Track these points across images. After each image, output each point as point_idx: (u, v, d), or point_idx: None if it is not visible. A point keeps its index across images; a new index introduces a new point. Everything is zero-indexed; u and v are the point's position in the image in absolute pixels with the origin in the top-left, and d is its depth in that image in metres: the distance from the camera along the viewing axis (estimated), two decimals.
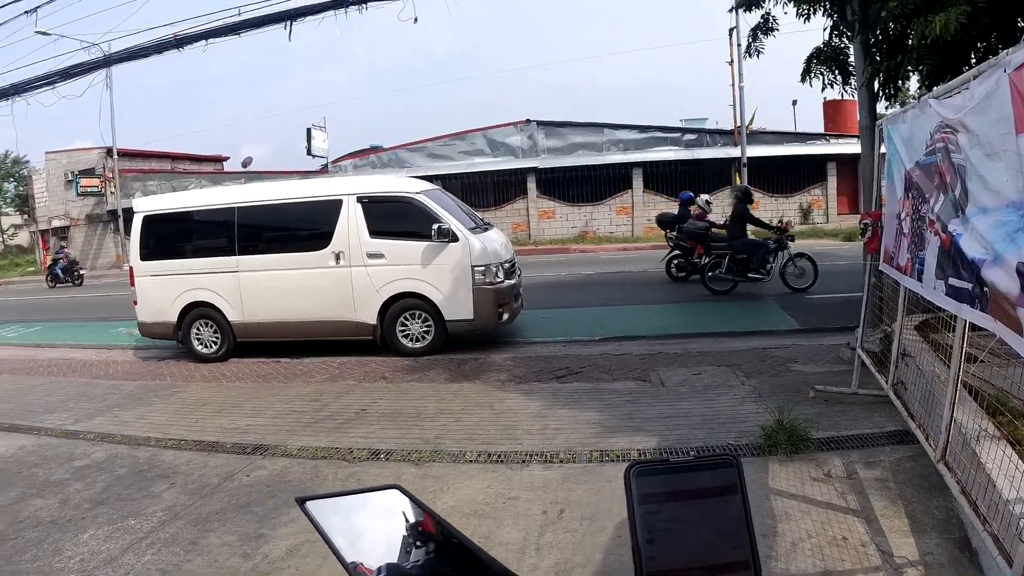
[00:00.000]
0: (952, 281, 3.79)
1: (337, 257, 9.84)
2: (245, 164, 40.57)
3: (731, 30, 27.12)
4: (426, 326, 9.73)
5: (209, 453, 6.40)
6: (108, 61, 20.10)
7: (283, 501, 5.05)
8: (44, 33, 25.28)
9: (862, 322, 6.64)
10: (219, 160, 44.78)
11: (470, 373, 8.54)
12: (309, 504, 1.14)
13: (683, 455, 1.22)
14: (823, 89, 9.11)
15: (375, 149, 33.52)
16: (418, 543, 1.13)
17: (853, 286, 7.99)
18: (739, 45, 25.54)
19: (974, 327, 3.62)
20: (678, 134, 30.76)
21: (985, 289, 3.21)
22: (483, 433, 6.21)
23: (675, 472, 1.02)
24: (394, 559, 1.11)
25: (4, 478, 6.26)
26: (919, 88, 8.18)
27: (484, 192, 29.12)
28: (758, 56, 9.72)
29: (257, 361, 10.30)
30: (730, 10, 18.14)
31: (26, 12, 17.55)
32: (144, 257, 10.85)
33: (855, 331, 6.91)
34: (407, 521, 1.14)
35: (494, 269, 9.60)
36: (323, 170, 32.36)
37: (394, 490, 1.14)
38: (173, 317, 10.68)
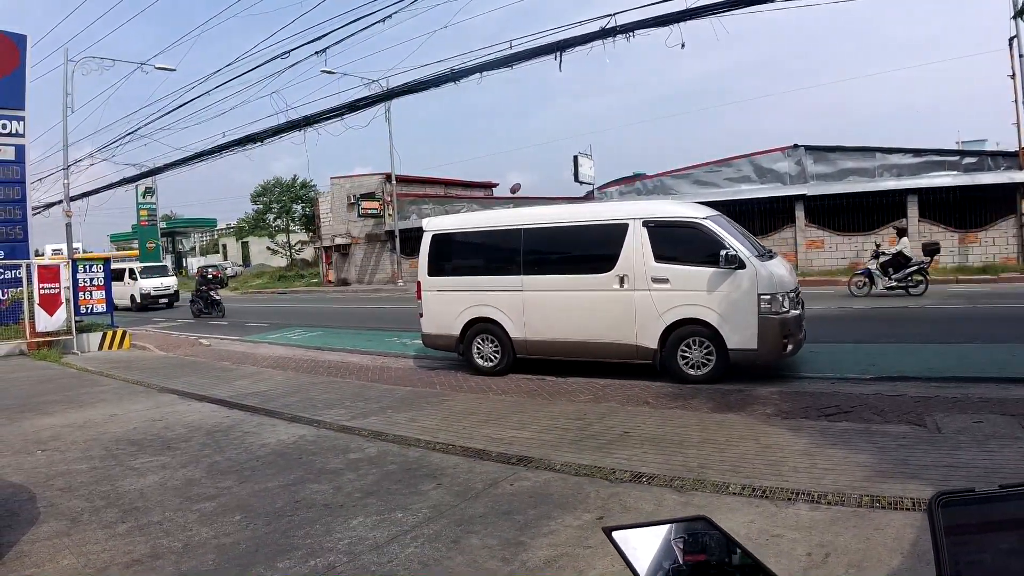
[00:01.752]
0: None
1: (621, 280, 9.95)
2: (514, 190, 42.42)
3: (1011, 39, 24.37)
4: (707, 354, 9.58)
5: (475, 460, 6.71)
6: (390, 94, 21.72)
7: (544, 513, 5.17)
8: (329, 72, 28.01)
9: None
10: (489, 186, 47.25)
11: (735, 404, 8.34)
12: (616, 534, 1.14)
13: None
14: None
15: (639, 176, 33.79)
16: None
17: None
18: (1021, 56, 23.23)
19: None
20: (956, 157, 27.82)
21: None
22: (747, 466, 6.06)
23: (985, 502, 0.95)
24: None
25: (285, 462, 6.97)
26: None
27: (750, 220, 28.22)
28: None
29: (522, 378, 10.70)
30: (1012, 17, 16.59)
31: (316, 52, 19.32)
32: (432, 273, 11.65)
33: None
34: (715, 553, 1.12)
35: (780, 298, 9.35)
36: (589, 196, 33.06)
37: (702, 521, 1.14)
38: (457, 331, 11.33)
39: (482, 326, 11.18)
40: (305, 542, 4.92)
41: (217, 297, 26.91)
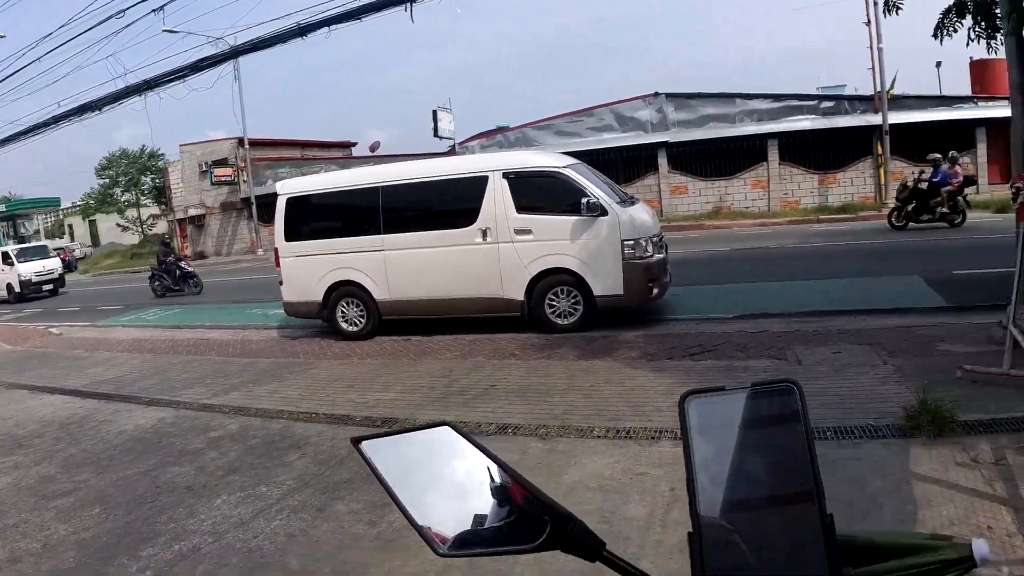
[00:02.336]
0: None
1: (484, 234, 9.86)
2: (373, 148, 41.49)
3: None
4: (574, 302, 9.62)
5: (339, 426, 6.64)
6: (235, 53, 20.85)
7: None
8: (171, 31, 26.55)
9: (1014, 297, 6.19)
10: (347, 146, 45.99)
11: (600, 350, 8.48)
12: (364, 444, 1.13)
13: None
14: (967, 43, 8.45)
15: (501, 129, 33.59)
16: (473, 482, 1.11)
17: (1006, 262, 7.50)
18: (876, 3, 24.23)
19: None
20: (815, 102, 28.79)
21: None
22: (611, 410, 6.16)
23: (732, 400, 0.96)
24: (446, 497, 1.11)
25: (144, 447, 6.76)
26: None
27: (614, 168, 28.45)
28: (897, 13, 9.14)
29: (388, 339, 10.57)
30: None
31: (153, 11, 18.32)
32: (289, 238, 11.19)
33: (1007, 308, 6.51)
34: (461, 459, 1.12)
35: (643, 243, 9.40)
36: (451, 151, 32.69)
37: (446, 427, 1.12)
38: (319, 296, 10.97)
39: (345, 289, 10.89)
40: (168, 527, 4.83)
41: (189, 268, 21.99)
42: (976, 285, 10.03)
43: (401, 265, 10.38)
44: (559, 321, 9.69)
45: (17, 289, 27.07)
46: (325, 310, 11.06)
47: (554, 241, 9.55)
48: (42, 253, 29.41)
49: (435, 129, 32.85)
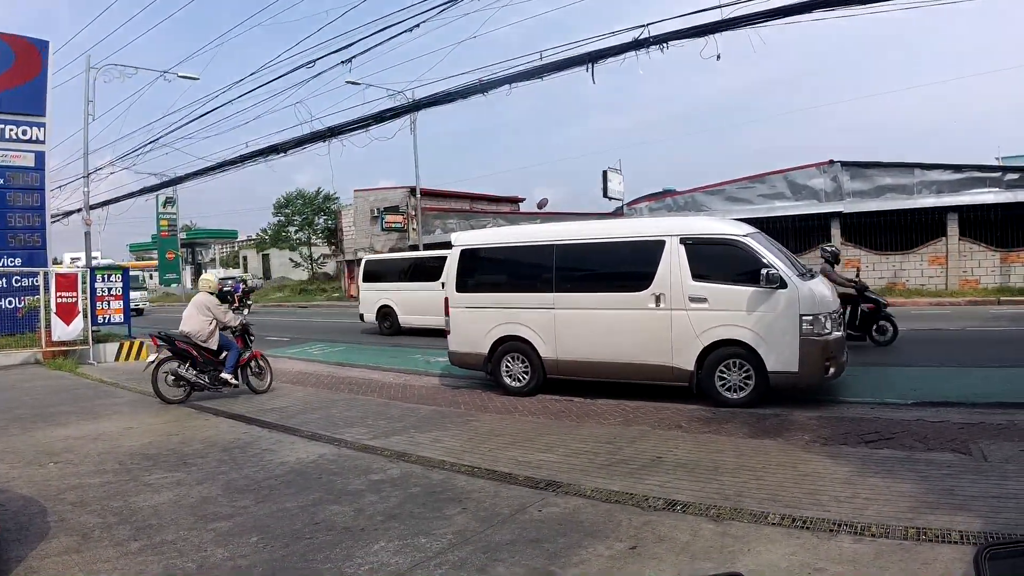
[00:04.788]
0: None
1: (657, 299, 9.68)
2: (541, 205, 42.20)
3: None
4: (746, 377, 9.28)
5: (501, 483, 6.52)
6: (416, 106, 21.48)
7: (574, 541, 4.98)
8: (354, 83, 28.01)
9: None
10: (515, 201, 46.95)
11: (771, 430, 8.12)
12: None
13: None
14: None
15: (669, 192, 33.53)
16: None
17: None
18: None
19: None
20: (998, 174, 26.99)
21: None
22: (786, 495, 5.85)
23: None
24: None
25: (304, 481, 6.79)
26: None
27: (784, 238, 27.76)
28: None
29: (550, 398, 10.45)
30: None
31: (342, 62, 19.15)
32: (460, 289, 11.39)
33: None
34: None
35: (823, 319, 9.03)
36: (618, 212, 32.81)
37: None
38: (485, 349, 11.05)
39: (511, 344, 10.89)
40: (325, 566, 4.75)
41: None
42: None
43: (570, 324, 10.30)
44: (728, 395, 9.33)
45: None
46: (490, 363, 11.08)
47: (729, 312, 9.27)
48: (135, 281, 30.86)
49: (604, 189, 33.01)
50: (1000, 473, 6.13)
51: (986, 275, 25.18)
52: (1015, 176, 26.72)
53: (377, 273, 23.18)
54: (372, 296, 22.76)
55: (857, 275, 15.13)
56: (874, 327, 13.45)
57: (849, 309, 13.44)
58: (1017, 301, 21.95)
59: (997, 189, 26.46)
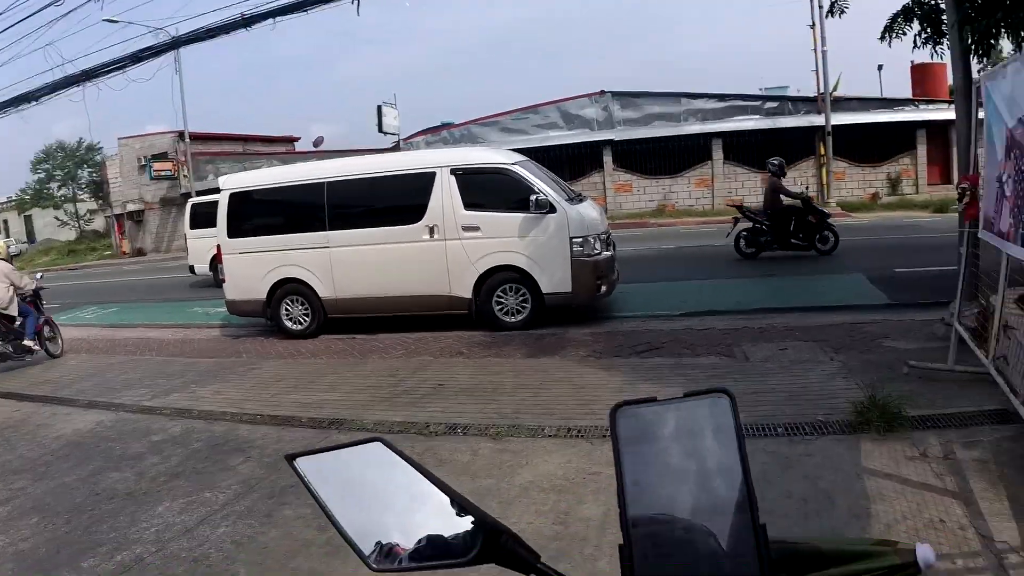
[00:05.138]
0: None
1: (431, 231, 9.73)
2: (316, 144, 40.76)
3: None
4: (522, 300, 9.59)
5: (285, 427, 6.50)
6: (176, 43, 20.28)
7: None
8: (112, 20, 25.77)
9: (959, 294, 6.34)
10: (290, 140, 45.14)
11: (548, 348, 8.48)
12: (299, 461, 1.12)
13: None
14: (914, 48, 8.64)
15: (446, 125, 33.44)
16: (406, 497, 1.08)
17: (945, 260, 7.66)
18: (821, 7, 24.67)
19: None
20: (759, 102, 29.59)
21: None
22: (562, 408, 6.12)
23: (663, 410, 0.96)
24: (380, 512, 1.09)
25: (83, 452, 6.47)
26: (1014, 48, 7.69)
27: (559, 166, 28.52)
28: (841, 16, 9.30)
29: (333, 338, 10.41)
30: None
31: None
32: (232, 234, 10.92)
33: (950, 305, 6.63)
34: (393, 474, 1.10)
35: (592, 240, 9.40)
36: (395, 147, 32.34)
37: (378, 443, 1.10)
38: (263, 294, 10.73)
39: (290, 287, 10.65)
40: (110, 536, 4.62)
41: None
42: (917, 283, 10.24)
43: (347, 262, 10.19)
44: (507, 319, 9.64)
45: None
46: (269, 308, 10.80)
47: (502, 238, 9.49)
48: None
49: (379, 124, 32.33)
50: (760, 372, 6.75)
51: (749, 195, 27.13)
52: (774, 104, 29.39)
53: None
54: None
55: (806, 189, 16.36)
56: (817, 237, 14.04)
57: (795, 221, 14.14)
58: None
59: (758, 116, 28.95)
